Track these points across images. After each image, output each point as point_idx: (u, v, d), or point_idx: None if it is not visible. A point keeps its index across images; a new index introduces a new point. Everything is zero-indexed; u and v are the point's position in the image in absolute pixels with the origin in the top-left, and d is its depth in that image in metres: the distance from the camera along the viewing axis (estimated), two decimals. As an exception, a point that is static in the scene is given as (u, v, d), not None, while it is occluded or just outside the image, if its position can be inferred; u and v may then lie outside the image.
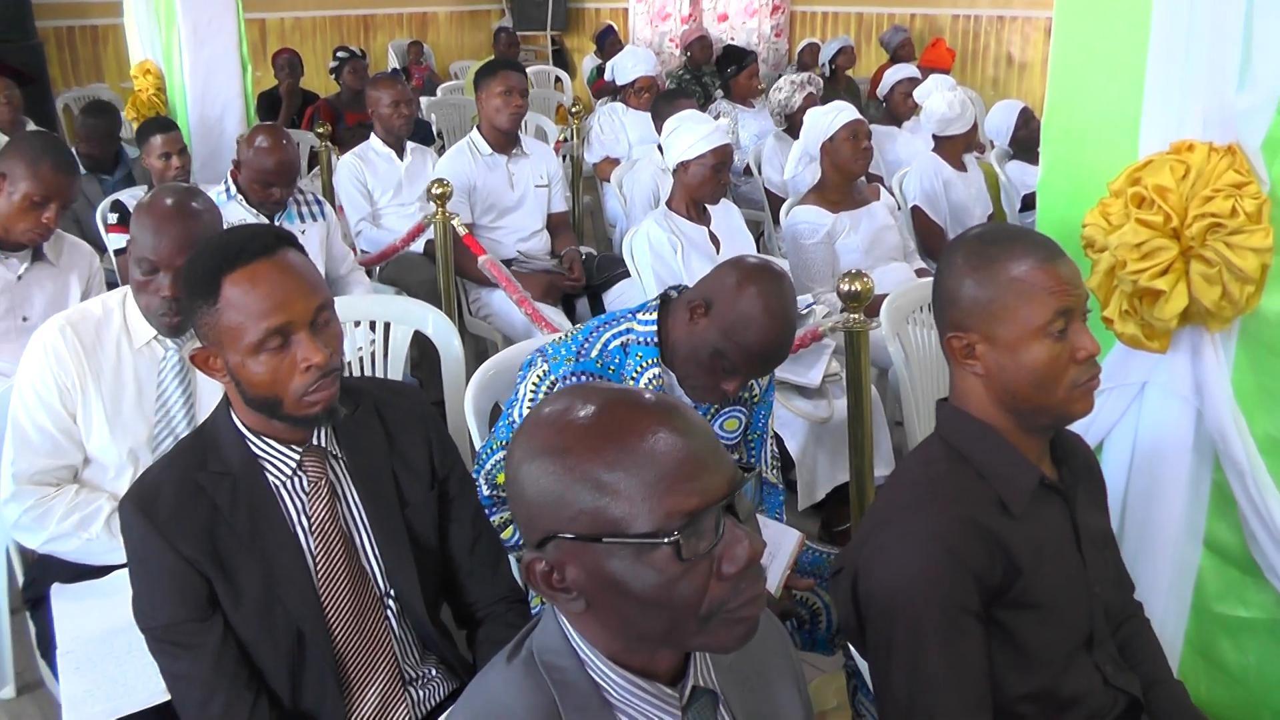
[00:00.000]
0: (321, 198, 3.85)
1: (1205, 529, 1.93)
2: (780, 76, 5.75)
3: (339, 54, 6.91)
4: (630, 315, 2.13)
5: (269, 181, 3.54)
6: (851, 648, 1.70)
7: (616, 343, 2.11)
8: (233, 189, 3.62)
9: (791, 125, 5.13)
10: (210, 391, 2.16)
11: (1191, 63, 1.76)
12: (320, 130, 5.55)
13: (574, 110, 5.92)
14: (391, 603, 1.70)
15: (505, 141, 4.21)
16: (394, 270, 4.37)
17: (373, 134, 4.67)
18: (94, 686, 1.78)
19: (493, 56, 8.23)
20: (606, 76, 6.27)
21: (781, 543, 2.10)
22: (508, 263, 4.06)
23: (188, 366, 2.16)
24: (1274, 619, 1.90)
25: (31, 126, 5.24)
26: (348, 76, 6.64)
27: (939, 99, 4.44)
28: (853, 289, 2.60)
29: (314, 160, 5.73)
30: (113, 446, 2.13)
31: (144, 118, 4.92)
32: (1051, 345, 1.51)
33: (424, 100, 7.06)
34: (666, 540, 1.02)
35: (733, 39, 9.38)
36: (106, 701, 1.75)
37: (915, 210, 4.43)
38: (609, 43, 8.90)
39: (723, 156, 3.30)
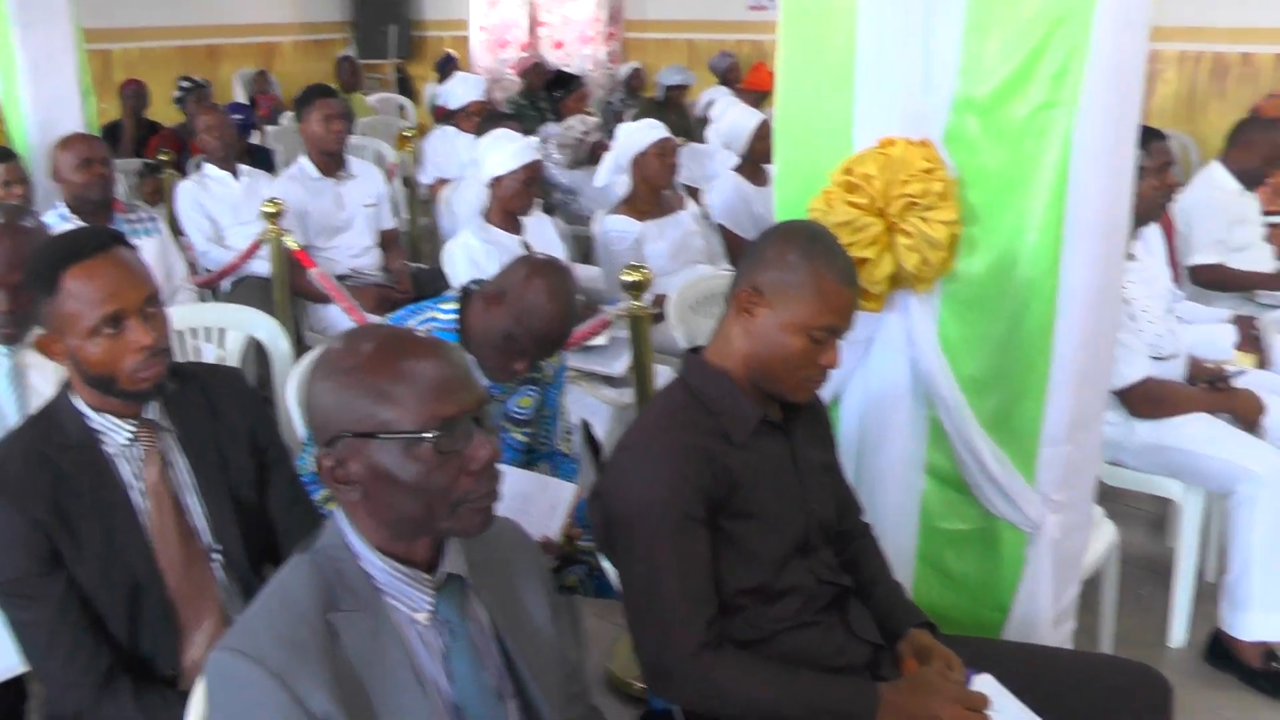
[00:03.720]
0: (155, 214, 4.03)
1: (925, 458, 2.32)
2: (617, 99, 6.11)
3: (182, 84, 7.03)
4: (433, 305, 2.46)
5: (82, 187, 3.69)
6: (602, 555, 2.03)
7: (422, 330, 2.41)
8: (66, 211, 3.79)
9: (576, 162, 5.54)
10: (40, 394, 2.35)
11: (889, 73, 2.15)
12: (164, 158, 5.67)
13: (407, 134, 6.19)
14: (218, 555, 1.95)
15: (332, 165, 4.47)
16: (239, 294, 4.53)
17: (204, 160, 4.86)
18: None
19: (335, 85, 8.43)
20: (439, 102, 6.54)
21: (561, 496, 2.43)
22: (342, 279, 4.31)
23: (20, 369, 2.37)
24: (984, 528, 2.30)
25: None
26: (192, 106, 6.76)
27: (728, 118, 4.82)
28: (633, 279, 2.96)
29: (159, 189, 5.84)
30: None
31: (-16, 149, 5.00)
32: (808, 343, 1.86)
33: (270, 129, 7.23)
34: (428, 436, 1.33)
35: (569, 65, 9.74)
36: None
37: (720, 225, 4.79)
38: (449, 70, 9.16)
39: (533, 171, 3.65)
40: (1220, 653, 3.18)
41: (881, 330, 2.28)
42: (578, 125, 5.70)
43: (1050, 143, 2.03)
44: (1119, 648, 3.10)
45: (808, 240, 1.89)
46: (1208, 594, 3.26)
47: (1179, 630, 3.30)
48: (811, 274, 1.84)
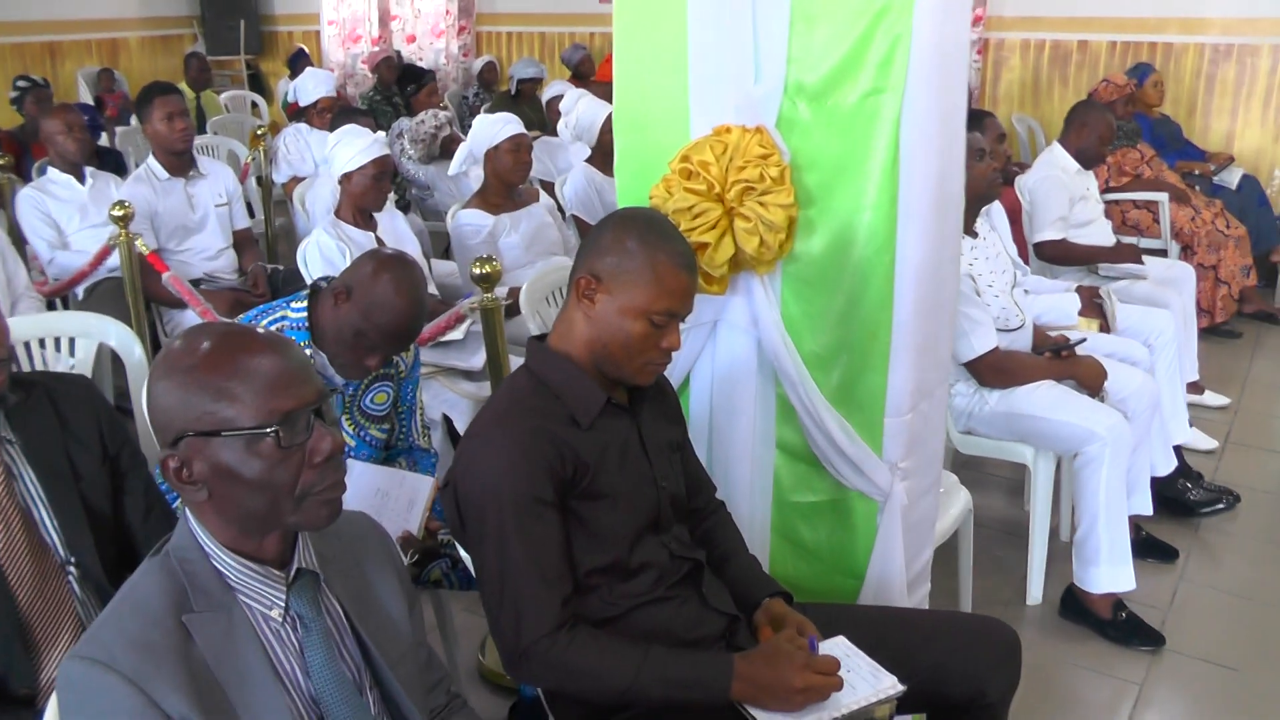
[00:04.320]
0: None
1: (775, 434, 2.38)
2: (471, 94, 6.09)
3: (19, 83, 6.77)
4: (285, 304, 2.42)
5: None
6: (458, 545, 2.05)
7: (273, 330, 2.38)
8: None
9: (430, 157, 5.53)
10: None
11: (721, 63, 2.21)
12: (2, 162, 5.46)
13: (259, 132, 6.09)
14: (73, 569, 1.91)
15: (180, 164, 4.37)
16: (93, 301, 4.42)
17: (49, 167, 4.70)
18: None
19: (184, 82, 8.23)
20: (290, 98, 6.45)
21: (419, 490, 2.43)
22: (197, 283, 4.22)
23: None
24: (836, 499, 2.38)
25: None
26: (30, 107, 6.52)
27: (578, 109, 4.85)
28: (483, 271, 2.97)
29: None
30: None
31: None
32: (648, 327, 1.90)
33: (119, 130, 7.01)
34: (268, 431, 1.34)
35: (421, 59, 9.66)
36: None
37: (574, 216, 4.82)
38: (300, 66, 9.00)
39: (382, 166, 3.62)
40: (1074, 607, 3.33)
41: (726, 312, 2.34)
42: (430, 120, 5.68)
43: (880, 126, 2.11)
44: (978, 608, 3.24)
45: (644, 227, 1.93)
46: (1065, 554, 3.41)
47: (1035, 588, 3.45)
48: (648, 260, 1.88)
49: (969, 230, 3.42)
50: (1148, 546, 3.67)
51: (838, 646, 1.96)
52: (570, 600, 1.84)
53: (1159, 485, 3.76)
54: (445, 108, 6.79)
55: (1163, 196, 5.93)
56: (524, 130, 4.16)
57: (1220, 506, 3.94)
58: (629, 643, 1.84)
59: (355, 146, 3.58)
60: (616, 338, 1.90)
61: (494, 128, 4.11)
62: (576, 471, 1.85)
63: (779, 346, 2.25)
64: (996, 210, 4.27)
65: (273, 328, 2.39)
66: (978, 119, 3.91)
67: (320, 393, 1.42)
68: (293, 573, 1.46)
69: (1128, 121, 6.23)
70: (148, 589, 1.39)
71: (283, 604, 1.45)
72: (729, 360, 2.36)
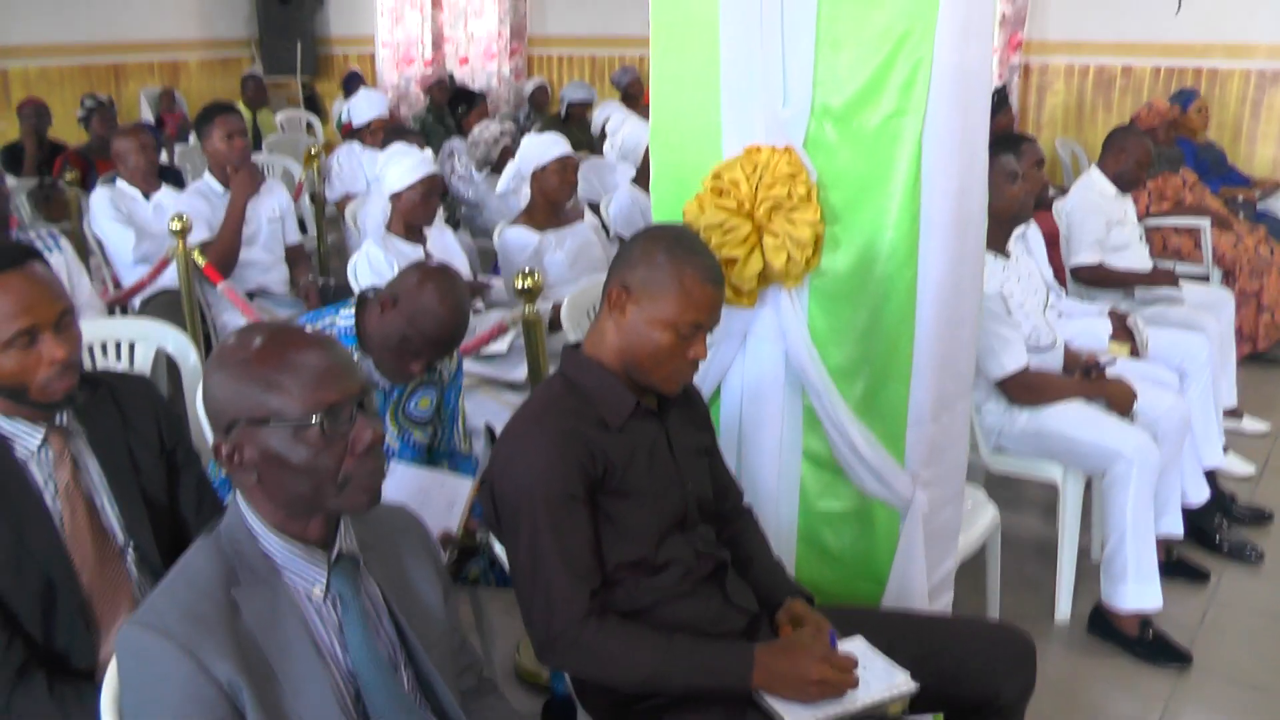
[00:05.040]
0: (56, 232, 4.01)
1: (802, 443, 2.47)
2: (522, 115, 6.21)
3: (86, 103, 7.00)
4: (334, 310, 2.55)
5: None
6: (495, 539, 2.15)
7: None
8: None
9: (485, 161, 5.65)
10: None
11: (751, 86, 2.31)
12: (69, 178, 5.65)
13: (313, 151, 6.26)
14: (131, 553, 2.02)
15: (237, 180, 4.51)
16: (151, 310, 4.52)
17: (118, 179, 4.86)
18: None
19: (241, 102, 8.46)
20: (344, 118, 6.62)
21: (459, 491, 2.54)
22: (250, 296, 4.37)
23: None
24: (859, 508, 2.46)
25: None
26: (96, 125, 6.73)
27: (623, 131, 4.96)
28: (525, 285, 3.08)
29: (65, 208, 5.80)
30: None
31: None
32: (675, 338, 2.00)
33: (178, 147, 7.23)
34: (314, 421, 1.46)
35: (474, 81, 9.84)
36: None
37: (619, 235, 4.92)
38: (354, 87, 9.19)
39: (431, 185, 3.75)
40: (1101, 624, 3.37)
41: (756, 324, 2.44)
42: (494, 126, 5.79)
43: (903, 147, 2.21)
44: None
45: (673, 241, 2.03)
46: (1095, 573, 3.43)
47: (1064, 604, 3.48)
48: (676, 273, 1.98)
49: (1002, 250, 3.48)
50: (1178, 567, 3.70)
51: (855, 645, 2.04)
52: (599, 592, 1.94)
53: (1191, 515, 3.77)
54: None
55: (1204, 222, 5.93)
56: (571, 151, 4.28)
57: (1247, 553, 3.86)
58: (654, 632, 1.94)
59: (404, 165, 3.72)
60: (645, 347, 2.00)
61: (541, 148, 4.23)
62: (606, 471, 1.95)
63: (805, 358, 2.34)
64: (1033, 232, 4.34)
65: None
66: (1014, 143, 3.98)
67: (363, 386, 1.53)
68: (335, 554, 1.58)
69: (1170, 147, 6.25)
70: (200, 565, 1.51)
71: (324, 582, 1.56)
72: (757, 371, 2.46)
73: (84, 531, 1.96)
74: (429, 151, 3.91)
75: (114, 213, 4.69)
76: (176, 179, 6.01)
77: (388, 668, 1.59)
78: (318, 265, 5.67)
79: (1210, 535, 3.89)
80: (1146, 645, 3.27)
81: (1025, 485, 4.12)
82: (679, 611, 2.01)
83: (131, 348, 3.14)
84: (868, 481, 2.39)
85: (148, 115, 9.67)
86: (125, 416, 2.08)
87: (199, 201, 4.48)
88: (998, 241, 3.46)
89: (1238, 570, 3.79)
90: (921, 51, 2.14)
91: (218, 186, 4.52)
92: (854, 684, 1.92)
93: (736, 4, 2.28)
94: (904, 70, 2.17)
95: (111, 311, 4.50)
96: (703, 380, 2.42)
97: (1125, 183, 4.89)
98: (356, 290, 3.79)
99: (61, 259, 3.91)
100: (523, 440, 1.97)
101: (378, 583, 1.64)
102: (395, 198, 3.80)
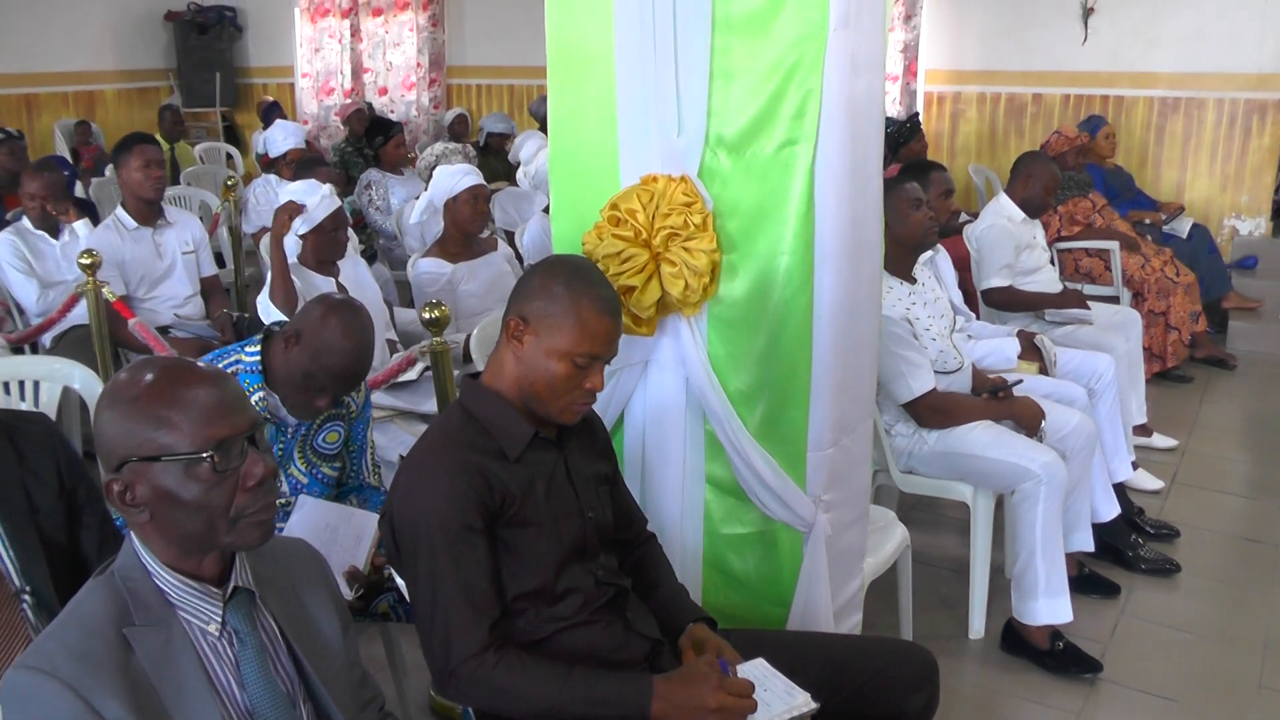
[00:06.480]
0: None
1: (705, 468, 2.49)
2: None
3: (-6, 134, 6.85)
4: (239, 348, 2.53)
5: None
6: (394, 572, 2.14)
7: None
8: None
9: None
10: None
11: (647, 116, 2.35)
12: (-27, 211, 5.56)
13: (229, 183, 6.21)
14: (27, 597, 1.99)
15: (149, 213, 4.49)
16: (63, 348, 4.47)
17: (24, 216, 4.79)
18: None
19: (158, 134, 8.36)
20: (260, 150, 6.58)
21: (367, 526, 2.52)
22: (165, 329, 4.32)
23: None
24: (762, 532, 2.49)
25: None
26: (4, 158, 6.56)
27: (537, 159, 4.99)
28: (432, 316, 3.09)
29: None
30: None
31: None
32: (571, 368, 2.01)
33: (94, 180, 7.12)
34: (204, 456, 1.45)
35: (393, 111, 9.83)
36: None
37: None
38: (271, 118, 9.13)
39: (336, 220, 3.75)
40: (1014, 640, 3.43)
41: (656, 352, 2.47)
42: (439, 147, 5.79)
43: (795, 175, 2.26)
44: (920, 641, 3.31)
45: (571, 273, 2.05)
46: (1008, 590, 3.49)
47: (977, 622, 3.54)
48: (573, 304, 2.00)
49: (907, 276, 3.54)
50: (1090, 583, 3.77)
51: (756, 668, 2.06)
52: (498, 624, 1.94)
53: (1101, 530, 3.85)
54: (413, 157, 6.92)
55: (1113, 245, 6.09)
56: (482, 181, 4.30)
57: (1166, 567, 3.95)
58: (554, 664, 1.94)
59: (310, 201, 3.71)
60: (542, 377, 2.01)
61: (453, 179, 4.25)
62: (504, 501, 1.96)
63: (705, 385, 2.36)
64: (941, 258, 4.42)
65: (228, 370, 2.48)
66: (923, 170, 4.08)
67: (254, 421, 1.53)
68: (230, 590, 1.56)
69: (1079, 172, 6.42)
70: (91, 604, 1.50)
71: (219, 619, 1.55)
72: (659, 398, 2.48)
73: None
74: (327, 186, 3.86)
75: (17, 262, 4.63)
76: (92, 212, 5.93)
77: (286, 703, 1.58)
78: (235, 299, 5.62)
79: (1123, 553, 3.96)
80: (1057, 656, 3.33)
81: (943, 506, 4.19)
82: (580, 640, 2.02)
83: (37, 386, 3.08)
84: (770, 505, 2.42)
85: (63, 148, 9.51)
86: (21, 455, 2.05)
87: (110, 235, 4.43)
88: (903, 267, 3.52)
89: (1147, 584, 3.87)
90: (811, 83, 2.19)
91: (130, 221, 4.47)
92: (753, 708, 1.94)
93: (631, 36, 2.32)
94: (795, 101, 2.21)
95: (20, 351, 4.43)
96: (605, 409, 2.44)
97: (1033, 208, 5.00)
98: (266, 318, 3.78)
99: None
100: (421, 472, 1.97)
101: (274, 617, 1.63)
102: (450, 205, 3.92)
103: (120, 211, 4.53)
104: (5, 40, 9.74)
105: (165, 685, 1.46)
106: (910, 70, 8.10)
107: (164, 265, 4.53)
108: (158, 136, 7.98)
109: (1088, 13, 7.51)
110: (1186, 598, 3.80)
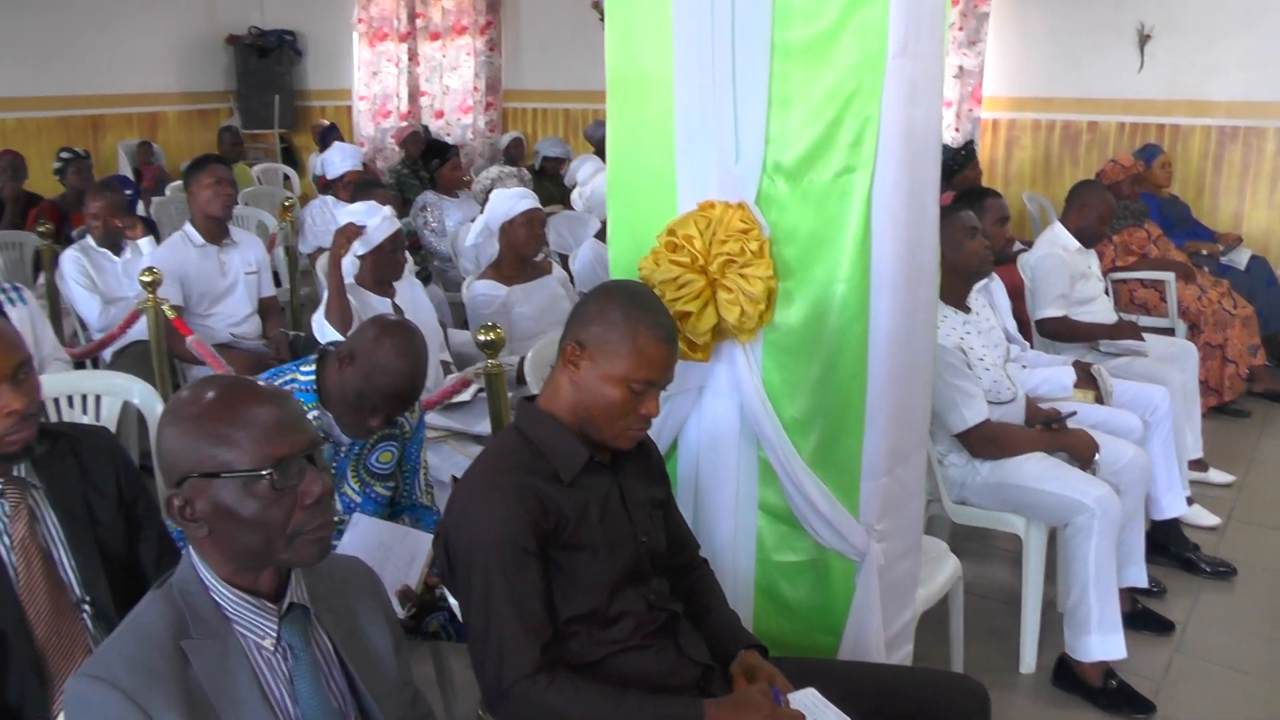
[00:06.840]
0: (20, 285, 4.04)
1: (758, 495, 2.49)
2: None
3: (62, 155, 7.03)
4: (295, 367, 2.56)
5: None
6: (446, 592, 2.15)
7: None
8: None
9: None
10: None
11: (705, 142, 2.36)
12: (42, 230, 5.67)
13: (287, 204, 6.29)
14: (87, 607, 2.02)
15: (217, 231, 4.57)
16: (121, 363, 4.55)
17: (89, 235, 4.89)
18: None
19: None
20: (317, 172, 6.67)
21: (420, 545, 2.54)
22: (222, 346, 4.38)
23: None
24: (815, 559, 2.48)
25: None
26: (72, 177, 6.77)
27: (591, 183, 5.01)
28: (488, 338, 3.11)
29: (39, 260, 5.82)
30: None
31: None
32: (626, 394, 2.02)
33: (155, 199, 7.26)
34: (264, 474, 1.48)
35: (449, 134, 9.93)
36: None
37: (583, 292, 4.95)
38: (329, 140, 9.25)
39: (395, 242, 3.80)
40: (1066, 676, 3.38)
41: (711, 379, 2.47)
42: (495, 170, 5.86)
43: (852, 203, 2.26)
44: (971, 674, 3.28)
45: (627, 299, 2.06)
46: (1060, 624, 3.44)
47: (1029, 656, 3.49)
48: (630, 331, 2.01)
49: (961, 305, 3.53)
50: (1143, 619, 3.72)
51: (807, 698, 2.05)
52: (550, 646, 1.94)
53: (1153, 531, 3.88)
54: (468, 180, 6.98)
55: (1169, 275, 6.00)
56: (538, 205, 4.33)
57: (1223, 569, 4.02)
58: (605, 687, 1.94)
59: (369, 222, 3.76)
60: (598, 403, 2.03)
61: (509, 202, 4.28)
62: (559, 524, 1.97)
63: (760, 412, 2.37)
64: (996, 286, 4.39)
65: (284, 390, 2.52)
66: (978, 198, 4.05)
67: (313, 440, 1.55)
68: (285, 606, 1.59)
69: (1135, 201, 6.34)
70: (150, 617, 1.52)
71: (275, 634, 1.57)
72: (713, 424, 2.48)
73: (39, 585, 1.96)
74: (388, 208, 3.91)
75: (81, 278, 4.72)
76: (152, 232, 6.04)
77: (338, 718, 1.60)
78: (290, 319, 5.70)
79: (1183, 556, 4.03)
80: (1110, 695, 3.28)
81: (994, 537, 4.14)
82: (632, 664, 2.02)
83: (98, 400, 3.14)
84: (823, 534, 2.41)
85: (126, 168, 9.70)
86: (84, 469, 2.09)
87: (177, 249, 4.52)
88: (957, 296, 3.51)
89: (1202, 621, 3.81)
90: (869, 110, 2.20)
91: (197, 237, 4.56)
92: None
93: (690, 62, 2.34)
94: (853, 128, 2.22)
95: (82, 365, 4.51)
96: (659, 433, 2.45)
97: (1088, 237, 4.96)
98: (321, 338, 3.83)
99: (26, 311, 3.93)
100: (476, 494, 1.98)
101: (329, 633, 1.65)
102: (506, 229, 3.95)
103: (189, 227, 4.63)
104: (73, 62, 9.97)
105: (221, 698, 1.49)
106: (974, 95, 8.06)
107: (226, 283, 4.61)
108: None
109: (1144, 40, 7.45)
110: (1242, 636, 3.73)
